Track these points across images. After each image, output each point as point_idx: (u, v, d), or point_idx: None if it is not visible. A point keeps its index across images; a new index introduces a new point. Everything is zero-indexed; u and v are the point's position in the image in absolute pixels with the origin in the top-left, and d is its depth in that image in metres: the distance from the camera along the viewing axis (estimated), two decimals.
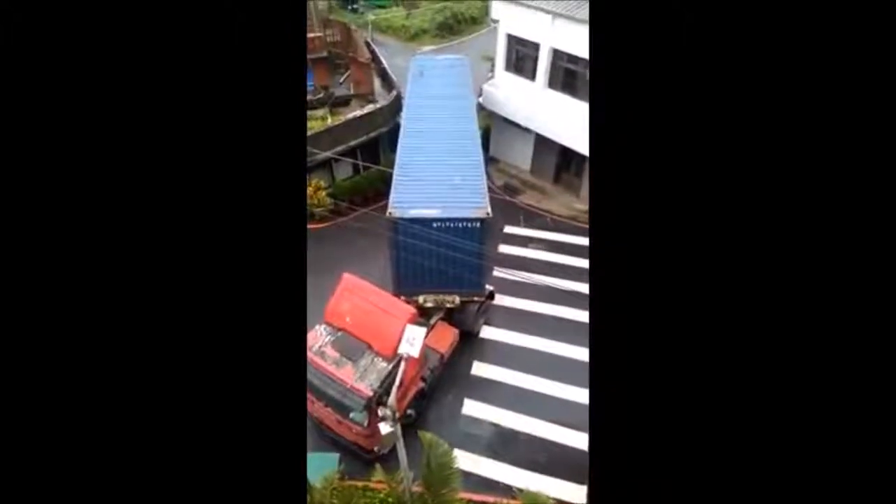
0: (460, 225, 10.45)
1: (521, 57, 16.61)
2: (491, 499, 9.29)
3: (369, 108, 17.13)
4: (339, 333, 9.77)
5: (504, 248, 15.04)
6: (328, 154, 15.53)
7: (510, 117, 17.54)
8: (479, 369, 11.86)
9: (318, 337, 9.78)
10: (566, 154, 16.81)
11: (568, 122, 15.42)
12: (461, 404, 11.09)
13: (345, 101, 18.87)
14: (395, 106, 17.23)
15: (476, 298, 11.86)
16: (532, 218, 16.52)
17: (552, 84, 15.91)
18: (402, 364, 8.10)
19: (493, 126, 18.59)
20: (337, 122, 16.52)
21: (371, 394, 8.86)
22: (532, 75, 16.28)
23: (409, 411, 10.05)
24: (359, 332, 9.67)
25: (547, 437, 10.37)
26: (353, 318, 9.79)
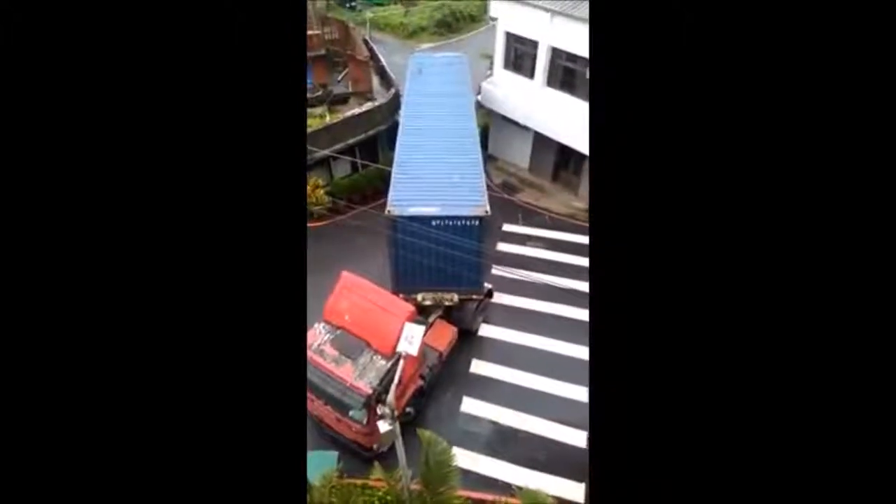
0: (459, 223, 10.45)
1: (520, 55, 16.59)
2: (490, 497, 9.30)
3: (368, 105, 17.09)
4: (338, 331, 9.77)
5: (503, 247, 15.04)
6: (326, 152, 15.50)
7: (509, 115, 17.52)
8: (478, 367, 11.87)
9: (317, 335, 9.77)
10: (565, 152, 16.80)
11: (566, 120, 15.41)
12: (460, 402, 11.10)
13: (343, 99, 18.82)
14: (394, 104, 17.20)
15: (475, 296, 11.85)
16: (530, 216, 16.52)
17: (551, 82, 15.89)
18: (401, 362, 8.10)
19: (491, 124, 18.57)
20: (335, 120, 16.48)
21: (370, 392, 8.86)
22: (531, 73, 16.26)
23: (407, 409, 10.05)
24: (358, 330, 9.67)
25: (545, 435, 10.39)
26: (352, 316, 9.79)
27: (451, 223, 10.42)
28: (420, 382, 10.50)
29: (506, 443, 10.36)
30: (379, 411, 7.52)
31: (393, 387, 7.69)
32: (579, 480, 9.41)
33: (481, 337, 12.61)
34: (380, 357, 9.37)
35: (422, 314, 10.85)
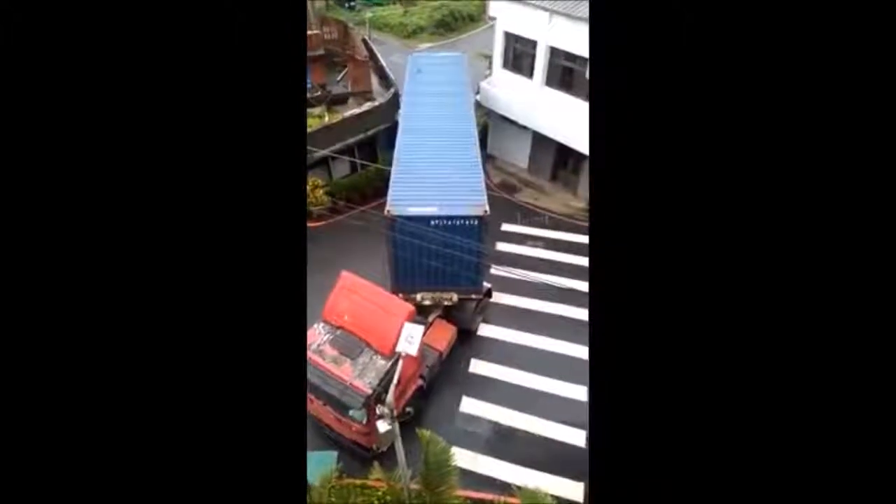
0: (458, 223, 10.45)
1: (519, 55, 16.59)
2: (489, 496, 9.31)
3: (367, 105, 17.07)
4: (338, 331, 9.77)
5: (502, 246, 15.04)
6: (326, 152, 15.49)
7: (507, 115, 17.52)
8: (477, 367, 11.87)
9: (316, 335, 9.77)
10: (563, 152, 16.81)
11: (565, 119, 15.42)
12: (459, 402, 11.10)
13: (342, 99, 18.80)
14: (393, 104, 17.19)
15: (474, 296, 11.86)
16: (529, 216, 16.52)
17: (550, 82, 15.89)
18: (401, 362, 8.10)
19: (490, 124, 18.57)
20: (334, 120, 16.47)
21: (370, 391, 8.86)
22: (530, 73, 16.26)
23: (407, 409, 10.05)
24: (357, 329, 9.67)
25: (545, 435, 10.40)
26: (352, 316, 9.79)
27: (450, 223, 10.42)
28: (419, 382, 10.50)
29: (505, 442, 10.36)
30: (378, 411, 7.52)
31: (392, 386, 7.68)
32: (578, 480, 9.42)
33: (480, 336, 12.61)
34: (379, 357, 9.37)
35: (421, 314, 10.85)
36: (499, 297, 13.15)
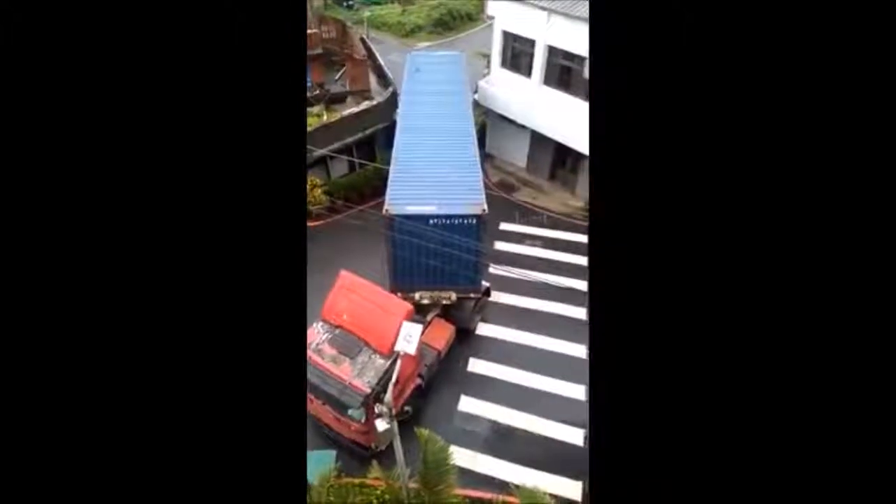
0: (457, 222, 10.46)
1: (517, 54, 16.59)
2: (488, 495, 9.32)
3: (365, 104, 17.06)
4: (337, 330, 9.78)
5: (500, 245, 15.04)
6: (324, 151, 15.48)
7: (506, 114, 17.52)
8: (476, 366, 11.88)
9: (315, 334, 9.77)
10: (562, 151, 16.81)
11: (563, 119, 15.42)
12: (458, 401, 11.11)
13: (341, 98, 18.78)
14: (391, 103, 17.17)
15: (472, 295, 11.87)
16: (528, 215, 16.53)
17: (548, 81, 15.88)
18: (399, 361, 8.10)
19: (488, 123, 18.57)
20: (333, 119, 16.45)
21: (369, 390, 8.87)
22: (528, 72, 16.26)
23: (405, 408, 10.06)
24: (356, 329, 9.68)
25: (543, 434, 10.41)
26: (351, 315, 9.79)
27: (448, 222, 10.43)
28: (418, 381, 10.50)
29: (503, 441, 10.37)
30: (377, 410, 7.53)
31: (391, 385, 7.69)
32: (577, 479, 9.43)
33: (479, 335, 12.61)
34: (378, 356, 9.38)
35: (420, 313, 10.86)
36: (497, 296, 13.15)
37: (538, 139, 17.17)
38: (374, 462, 8.14)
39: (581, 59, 14.40)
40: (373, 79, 19.50)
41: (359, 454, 9.67)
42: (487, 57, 18.77)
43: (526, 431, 10.50)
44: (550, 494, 7.48)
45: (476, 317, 12.61)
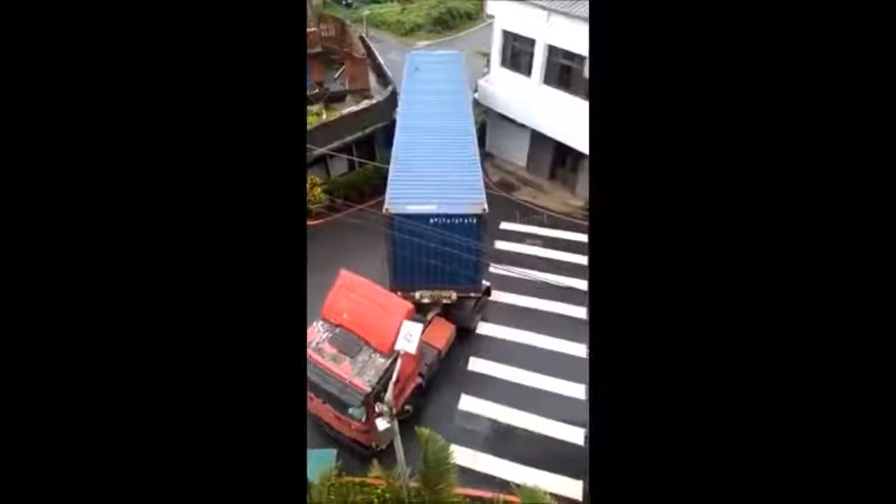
0: (457, 221, 10.45)
1: (517, 53, 16.57)
2: (488, 494, 9.33)
3: (365, 103, 17.04)
4: (337, 329, 9.78)
5: (500, 244, 15.04)
6: (324, 150, 15.47)
7: (506, 113, 17.50)
8: (476, 365, 11.88)
9: (315, 333, 9.77)
10: (562, 150, 16.80)
11: (564, 118, 15.41)
12: (458, 400, 11.11)
13: (340, 97, 18.76)
14: (391, 101, 17.16)
15: (473, 294, 11.87)
16: (528, 214, 16.53)
17: (548, 80, 15.86)
18: (399, 360, 8.11)
19: (488, 122, 18.55)
20: (332, 118, 16.44)
21: (369, 389, 8.87)
22: (528, 71, 16.24)
23: (406, 407, 10.07)
24: (356, 328, 9.68)
25: (543, 433, 10.41)
26: (351, 314, 9.79)
27: (448, 221, 10.42)
28: (418, 380, 10.51)
29: (504, 440, 10.38)
30: (377, 409, 7.53)
31: (391, 384, 7.69)
32: (577, 478, 9.44)
33: (479, 335, 12.62)
34: (378, 355, 9.38)
35: (420, 312, 10.86)
36: (497, 296, 13.16)
37: (538, 138, 17.16)
38: (375, 461, 8.16)
39: (581, 58, 14.38)
40: (372, 77, 19.48)
41: (359, 453, 9.68)
42: (487, 56, 18.75)
43: (526, 430, 10.51)
44: (551, 493, 7.49)
45: (476, 316, 12.61)
